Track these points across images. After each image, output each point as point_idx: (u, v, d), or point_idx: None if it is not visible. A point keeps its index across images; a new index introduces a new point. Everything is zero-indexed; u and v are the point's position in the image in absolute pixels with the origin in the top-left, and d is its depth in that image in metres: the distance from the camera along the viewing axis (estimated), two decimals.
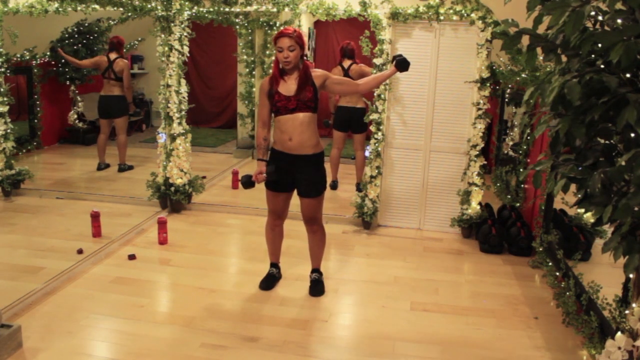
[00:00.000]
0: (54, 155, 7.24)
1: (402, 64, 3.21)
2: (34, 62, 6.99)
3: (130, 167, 6.44)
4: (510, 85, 5.15)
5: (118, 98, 6.13)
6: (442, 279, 3.78)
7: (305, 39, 3.20)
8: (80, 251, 3.91)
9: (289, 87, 3.15)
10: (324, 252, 3.55)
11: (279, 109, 3.16)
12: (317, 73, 3.20)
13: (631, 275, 2.25)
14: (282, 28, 3.32)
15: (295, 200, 3.41)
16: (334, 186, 5.93)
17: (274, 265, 3.63)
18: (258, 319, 3.14)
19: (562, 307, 3.21)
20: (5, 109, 5.20)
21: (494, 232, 4.23)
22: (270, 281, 3.55)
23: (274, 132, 3.27)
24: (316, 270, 3.56)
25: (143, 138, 8.51)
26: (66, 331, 2.93)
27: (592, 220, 2.08)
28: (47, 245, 4.10)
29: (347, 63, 5.48)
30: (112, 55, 6.07)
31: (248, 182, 3.23)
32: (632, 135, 1.83)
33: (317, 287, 3.48)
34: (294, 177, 3.25)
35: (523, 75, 4.01)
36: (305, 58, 3.21)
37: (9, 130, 5.24)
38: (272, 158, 3.27)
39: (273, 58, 7.02)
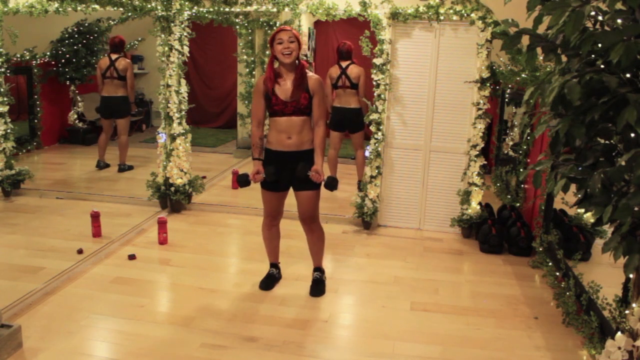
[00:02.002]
0: (54, 155, 7.24)
1: (329, 185, 3.24)
2: (34, 62, 7.00)
3: (130, 167, 6.43)
4: (510, 85, 5.15)
5: (122, 99, 6.12)
6: (442, 279, 3.78)
7: (305, 39, 3.20)
8: (80, 251, 3.91)
9: (285, 90, 3.14)
10: (324, 249, 3.54)
11: (275, 112, 3.17)
12: (313, 79, 3.17)
13: (631, 275, 2.25)
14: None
15: (293, 201, 3.41)
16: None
17: (274, 265, 3.63)
18: (258, 319, 3.14)
19: (562, 307, 3.21)
20: (5, 109, 5.20)
21: (494, 232, 4.23)
22: (270, 281, 3.55)
23: (270, 132, 3.25)
24: (318, 268, 3.55)
25: (143, 138, 8.51)
26: (66, 331, 2.93)
27: (592, 220, 2.08)
28: (47, 245, 4.10)
29: (344, 63, 5.48)
30: (114, 55, 6.06)
31: (245, 181, 3.24)
32: (632, 135, 1.83)
33: (317, 287, 3.48)
34: (291, 175, 3.23)
35: (523, 75, 4.00)
36: (305, 58, 3.21)
37: (9, 130, 5.24)
38: (268, 158, 3.25)
39: None
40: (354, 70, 5.41)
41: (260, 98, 3.19)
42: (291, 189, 3.35)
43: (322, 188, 3.30)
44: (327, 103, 3.23)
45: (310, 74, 3.20)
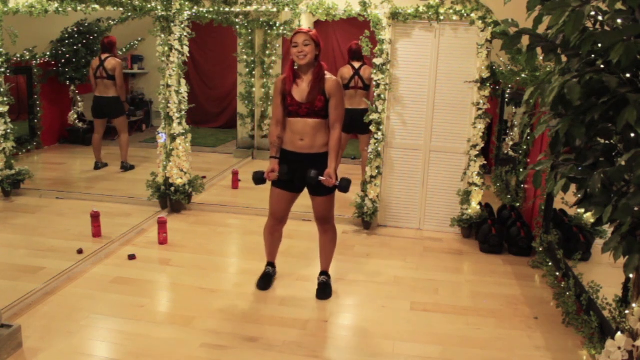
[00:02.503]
0: (54, 155, 7.24)
1: (343, 188, 3.21)
2: (34, 62, 7.00)
3: (132, 167, 6.44)
4: (510, 85, 5.15)
5: (114, 99, 6.13)
6: (442, 279, 3.78)
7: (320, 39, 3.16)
8: (80, 251, 3.91)
9: (301, 91, 3.11)
10: (334, 253, 3.52)
11: (290, 113, 3.16)
12: (331, 82, 3.12)
13: (631, 275, 2.25)
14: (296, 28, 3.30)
15: (299, 201, 3.41)
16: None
17: (270, 264, 3.63)
18: (258, 319, 3.14)
19: (562, 307, 3.21)
20: (5, 109, 5.20)
21: (494, 232, 4.23)
22: (267, 280, 3.54)
23: (285, 131, 3.23)
24: (324, 272, 3.54)
25: (143, 138, 8.51)
26: (66, 331, 2.93)
27: (592, 220, 2.08)
28: (47, 245, 4.10)
29: (357, 64, 5.43)
30: (104, 55, 6.08)
31: (260, 179, 3.23)
32: (632, 135, 1.83)
33: (324, 291, 3.46)
34: (303, 177, 3.20)
35: (523, 75, 4.01)
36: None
37: (9, 130, 5.24)
38: (282, 158, 3.25)
39: (273, 58, 7.13)
40: (367, 71, 5.31)
41: (279, 97, 3.19)
42: (305, 191, 3.35)
43: (334, 190, 3.27)
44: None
45: (329, 76, 3.14)
